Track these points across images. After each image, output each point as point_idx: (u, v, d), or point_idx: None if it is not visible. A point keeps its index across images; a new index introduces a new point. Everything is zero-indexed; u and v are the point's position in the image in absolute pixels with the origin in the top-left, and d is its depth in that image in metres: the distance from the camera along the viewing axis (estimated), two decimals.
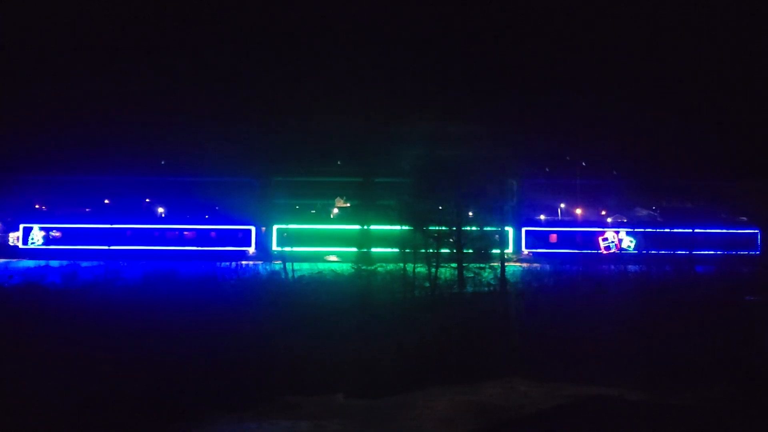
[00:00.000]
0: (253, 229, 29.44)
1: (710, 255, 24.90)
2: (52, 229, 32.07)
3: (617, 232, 30.63)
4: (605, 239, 29.83)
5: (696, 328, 13.38)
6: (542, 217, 36.52)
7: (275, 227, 29.32)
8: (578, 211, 39.77)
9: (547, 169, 32.62)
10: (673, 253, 23.88)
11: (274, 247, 28.69)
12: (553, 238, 30.01)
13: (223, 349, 14.05)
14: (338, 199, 33.14)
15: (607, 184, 35.79)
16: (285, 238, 27.83)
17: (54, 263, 25.57)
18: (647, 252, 25.68)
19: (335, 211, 34.16)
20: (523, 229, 29.83)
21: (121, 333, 14.79)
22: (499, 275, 21.74)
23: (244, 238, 29.25)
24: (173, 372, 12.86)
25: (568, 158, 32.31)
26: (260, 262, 25.73)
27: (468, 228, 22.38)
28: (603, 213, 40.79)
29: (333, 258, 27.64)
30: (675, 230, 27.06)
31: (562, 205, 40.51)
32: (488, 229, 23.60)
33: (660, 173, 28.80)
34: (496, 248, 23.09)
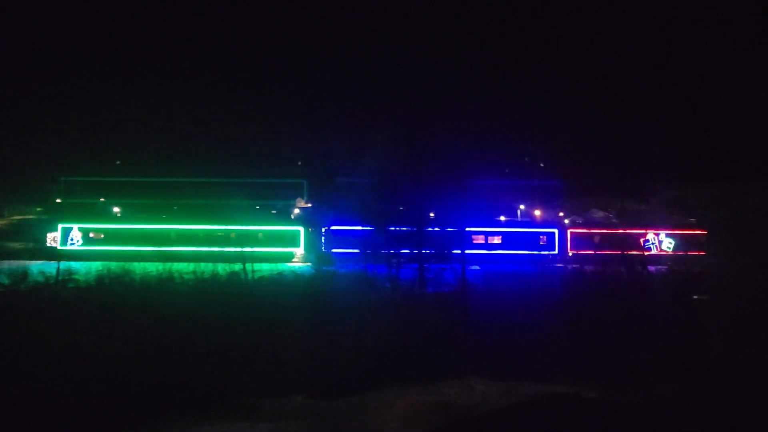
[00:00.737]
0: (301, 230, 29.25)
1: (663, 255, 25.96)
2: (93, 229, 30.87)
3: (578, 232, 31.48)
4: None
5: (648, 326, 13.76)
6: (502, 218, 37.12)
7: (324, 228, 29.24)
8: (537, 212, 40.48)
9: (506, 170, 33.17)
10: (626, 253, 24.71)
11: (324, 249, 28.59)
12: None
13: (177, 350, 13.76)
14: (299, 199, 33.09)
15: (565, 186, 36.56)
16: (333, 240, 27.89)
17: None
18: (603, 252, 26.51)
19: (296, 211, 34.07)
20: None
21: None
22: (460, 276, 22.01)
23: (292, 239, 28.91)
24: (125, 375, 12.54)
25: (526, 159, 32.94)
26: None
27: (430, 229, 22.63)
28: (561, 214, 41.66)
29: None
30: (629, 231, 28.03)
31: (522, 207, 41.18)
32: (449, 230, 23.88)
33: (615, 176, 29.59)
34: (457, 249, 23.39)
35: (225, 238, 26.49)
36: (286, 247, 29.06)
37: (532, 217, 39.76)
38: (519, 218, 40.46)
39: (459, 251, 23.09)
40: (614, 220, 34.79)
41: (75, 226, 30.53)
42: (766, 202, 7.21)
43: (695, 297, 12.20)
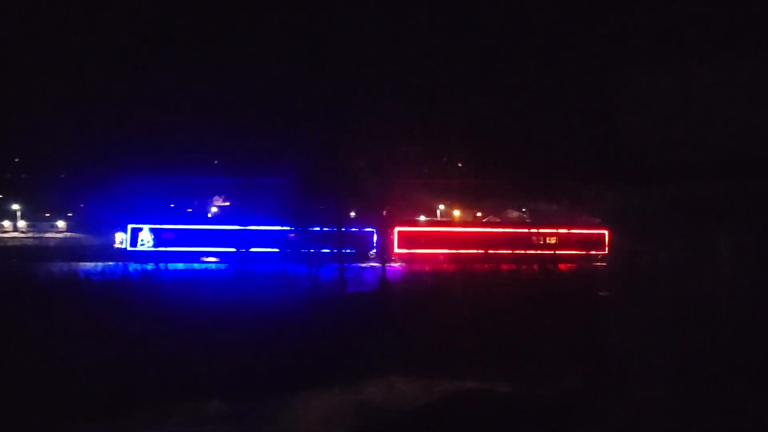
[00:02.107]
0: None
1: (572, 254, 27.28)
2: (165, 230, 29.32)
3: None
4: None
5: (558, 321, 14.39)
6: (422, 217, 37.70)
7: (396, 230, 29.08)
8: (456, 212, 41.39)
9: (426, 170, 33.70)
10: (539, 252, 25.83)
11: (396, 249, 28.64)
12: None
13: (83, 354, 13.05)
14: (216, 197, 32.36)
15: (483, 186, 37.52)
16: (406, 241, 28.06)
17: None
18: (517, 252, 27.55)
19: (213, 210, 33.30)
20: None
21: None
22: (380, 275, 22.21)
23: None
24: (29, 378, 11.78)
25: (444, 159, 33.61)
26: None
27: (350, 229, 22.73)
28: (479, 214, 42.79)
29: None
30: (541, 231, 29.29)
31: (441, 207, 41.95)
32: (368, 229, 24.10)
33: (530, 176, 30.72)
34: (376, 249, 23.63)
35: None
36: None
37: (451, 217, 40.64)
38: (439, 218, 41.24)
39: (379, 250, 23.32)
40: (527, 220, 36.12)
41: (145, 227, 28.73)
42: (663, 204, 7.69)
43: (600, 293, 12.85)
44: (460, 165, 36.32)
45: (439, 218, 40.85)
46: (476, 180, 35.88)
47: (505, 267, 23.82)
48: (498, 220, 41.19)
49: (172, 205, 32.99)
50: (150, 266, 20.87)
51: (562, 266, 24.06)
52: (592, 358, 11.65)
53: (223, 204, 33.08)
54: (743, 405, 7.39)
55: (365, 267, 22.63)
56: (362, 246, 26.49)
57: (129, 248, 28.19)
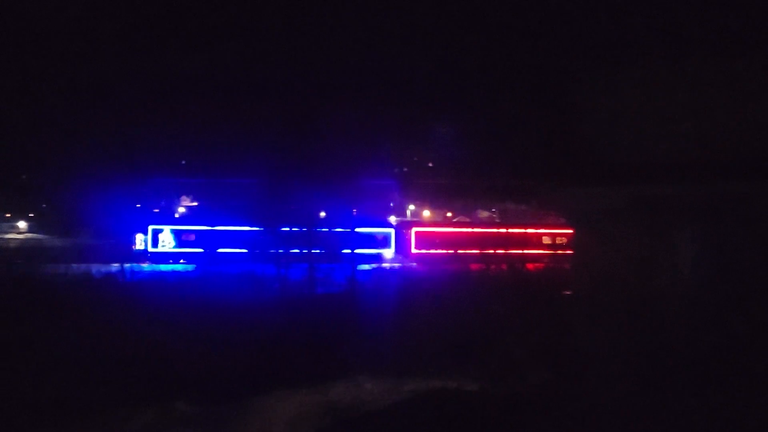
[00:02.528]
0: (392, 231, 29.07)
1: (540, 254, 27.76)
2: (186, 231, 29.12)
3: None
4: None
5: (522, 320, 14.61)
6: (393, 218, 37.79)
7: (414, 230, 30.14)
8: (426, 212, 41.59)
9: (404, 170, 33.82)
10: (507, 252, 26.25)
11: (413, 250, 29.64)
12: (444, 238, 31.81)
13: (41, 357, 12.76)
14: (183, 197, 31.99)
15: (454, 186, 37.74)
16: (424, 241, 28.65)
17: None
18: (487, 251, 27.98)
19: (181, 210, 32.94)
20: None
21: None
22: (349, 275, 22.21)
23: (384, 241, 28.57)
24: None
25: (415, 159, 33.72)
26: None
27: (320, 229, 22.69)
28: (449, 214, 43.06)
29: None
30: (511, 230, 29.73)
31: (412, 207, 42.09)
32: (339, 230, 24.10)
33: (498, 178, 31.00)
34: (346, 249, 23.62)
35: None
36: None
37: (421, 216, 40.85)
38: (408, 218, 41.39)
39: (349, 251, 23.33)
40: (497, 220, 36.49)
41: (166, 228, 28.21)
42: (625, 204, 7.83)
43: (564, 292, 13.05)
44: (430, 165, 36.49)
45: (413, 218, 41.11)
46: (446, 180, 36.09)
47: (475, 266, 24.09)
48: (468, 219, 41.54)
49: (138, 205, 32.69)
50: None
51: (529, 265, 24.42)
52: (558, 356, 11.83)
53: (191, 204, 32.77)
54: (703, 403, 7.57)
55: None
56: (381, 246, 27.71)
57: (150, 249, 28.07)
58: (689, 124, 7.62)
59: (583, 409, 8.29)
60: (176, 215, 31.79)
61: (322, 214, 24.48)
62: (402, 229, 31.12)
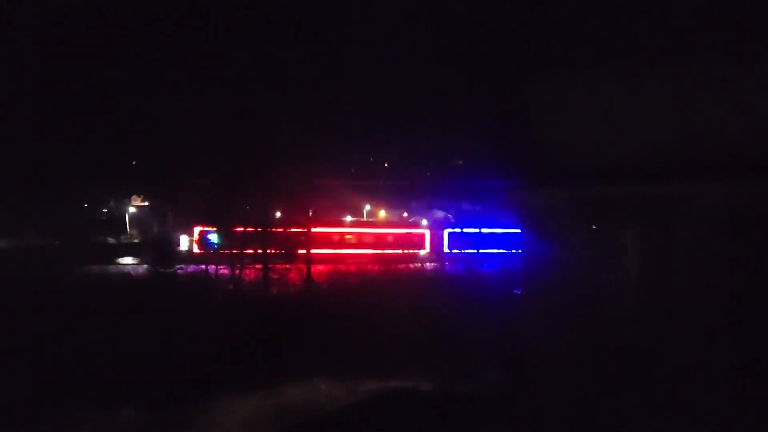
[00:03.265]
0: (427, 232, 29.53)
1: (493, 253, 28.26)
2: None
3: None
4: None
5: (476, 320, 14.79)
6: (348, 218, 37.67)
7: (447, 231, 31.27)
8: (382, 213, 41.65)
9: (352, 170, 33.71)
10: (463, 251, 26.68)
11: (445, 249, 30.38)
12: (476, 238, 32.19)
13: None
14: (134, 197, 31.23)
15: (409, 187, 37.87)
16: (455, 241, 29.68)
17: None
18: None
19: (131, 209, 32.15)
20: (447, 231, 31.82)
21: None
22: (305, 276, 22.05)
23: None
24: None
25: (372, 159, 33.74)
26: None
27: (275, 229, 22.45)
28: (405, 215, 43.21)
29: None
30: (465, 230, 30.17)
31: (368, 207, 42.09)
32: (295, 230, 23.85)
33: (453, 178, 31.38)
34: (302, 249, 23.43)
35: None
36: None
37: (376, 217, 40.86)
38: (365, 218, 41.35)
39: (304, 251, 23.17)
40: (452, 220, 36.79)
41: (212, 229, 27.79)
42: (573, 204, 8.04)
43: (515, 292, 13.30)
44: (386, 165, 36.56)
45: (364, 218, 41.09)
46: (402, 181, 36.23)
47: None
48: (424, 220, 41.83)
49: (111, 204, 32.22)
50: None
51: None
52: (509, 353, 12.03)
53: (142, 203, 32.04)
54: (652, 398, 7.82)
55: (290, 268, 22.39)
56: (414, 247, 28.50)
57: (195, 251, 28.01)
58: (633, 129, 7.89)
59: (537, 407, 8.47)
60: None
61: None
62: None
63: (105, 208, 31.86)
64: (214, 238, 28.46)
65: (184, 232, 28.63)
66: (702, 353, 7.57)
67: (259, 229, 21.65)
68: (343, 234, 32.53)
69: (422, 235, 33.62)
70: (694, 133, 7.76)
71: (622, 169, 7.72)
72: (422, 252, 30.94)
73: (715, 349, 7.57)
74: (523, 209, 8.44)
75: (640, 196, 7.79)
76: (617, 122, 8.07)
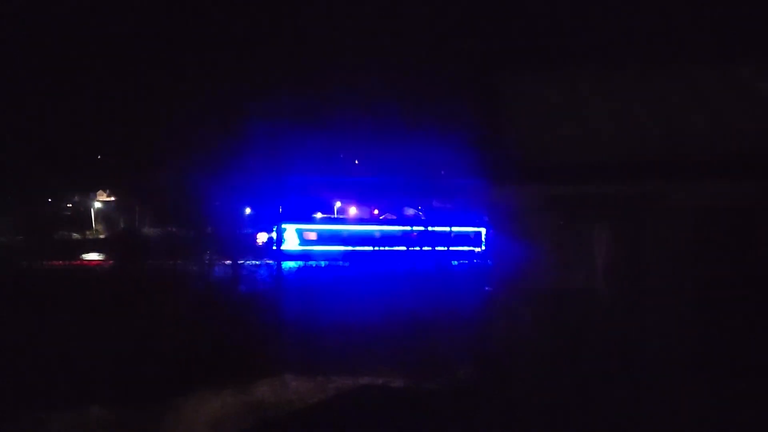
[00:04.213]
0: (483, 230, 29.19)
1: (459, 251, 28.59)
2: (309, 230, 30.45)
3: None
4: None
5: (449, 317, 14.91)
6: (318, 214, 37.60)
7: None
8: (353, 209, 41.65)
9: (321, 167, 33.65)
10: (434, 249, 26.85)
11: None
12: (313, 236, 32.23)
13: None
14: (100, 192, 30.75)
15: (379, 184, 37.95)
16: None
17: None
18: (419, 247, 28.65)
19: (97, 205, 31.65)
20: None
21: None
22: (274, 273, 21.93)
23: (475, 239, 28.16)
24: None
25: (341, 156, 33.70)
26: None
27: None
28: (376, 212, 43.30)
29: None
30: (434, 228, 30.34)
31: (338, 204, 42.05)
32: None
33: (424, 175, 31.50)
34: (272, 245, 23.37)
35: None
36: None
37: (347, 213, 40.85)
38: (335, 215, 41.31)
39: (275, 248, 23.08)
40: (422, 218, 36.97)
41: (291, 227, 27.87)
42: (544, 203, 8.14)
43: (486, 288, 13.42)
44: (356, 162, 36.56)
45: (336, 215, 41.02)
46: (372, 178, 36.25)
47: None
48: (394, 217, 41.94)
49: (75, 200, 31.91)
50: None
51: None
52: (482, 350, 12.14)
53: (108, 199, 31.54)
54: (625, 394, 7.97)
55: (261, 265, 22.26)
56: (474, 244, 28.82)
57: (275, 247, 28.28)
58: (606, 128, 8.03)
59: (508, 400, 8.56)
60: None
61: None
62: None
63: (69, 203, 31.25)
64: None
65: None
66: (674, 350, 7.76)
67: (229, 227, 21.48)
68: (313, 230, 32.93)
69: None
70: (669, 133, 7.94)
71: (596, 167, 7.86)
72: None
73: (687, 345, 7.77)
74: (494, 206, 8.52)
75: (613, 195, 7.94)
76: (591, 120, 8.20)
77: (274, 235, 29.77)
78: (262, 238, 30.81)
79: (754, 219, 7.96)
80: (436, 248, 28.86)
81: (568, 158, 7.95)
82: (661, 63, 8.13)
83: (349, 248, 29.59)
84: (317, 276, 23.12)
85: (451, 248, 30.17)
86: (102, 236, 29.99)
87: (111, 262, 21.97)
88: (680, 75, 8.36)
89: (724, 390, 7.70)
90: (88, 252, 26.10)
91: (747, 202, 7.81)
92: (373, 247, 29.73)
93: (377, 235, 32.35)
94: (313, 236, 31.97)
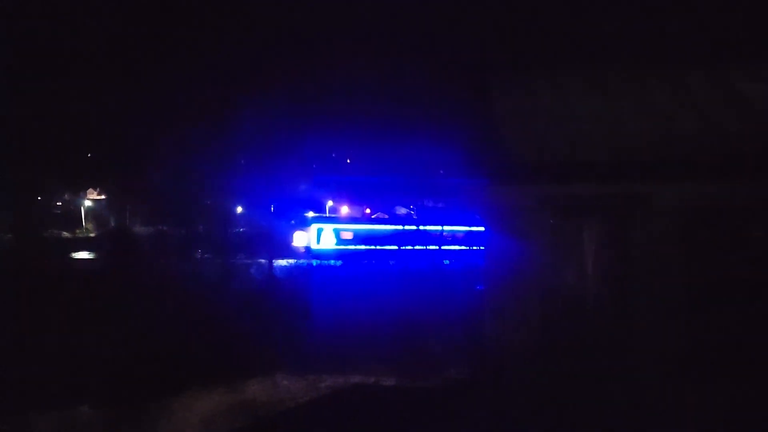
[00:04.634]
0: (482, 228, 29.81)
1: (455, 250, 28.67)
2: (345, 230, 30.65)
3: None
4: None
5: (441, 315, 14.95)
6: (310, 213, 37.57)
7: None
8: (344, 208, 41.63)
9: (314, 166, 33.70)
10: (426, 247, 26.99)
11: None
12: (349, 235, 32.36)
13: None
14: (90, 190, 30.62)
15: (372, 183, 38.00)
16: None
17: None
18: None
19: (87, 203, 31.49)
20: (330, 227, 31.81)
21: None
22: (267, 272, 21.94)
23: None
24: None
25: (333, 155, 33.76)
26: None
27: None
28: (368, 211, 43.30)
29: None
30: (427, 227, 30.42)
31: (330, 203, 42.01)
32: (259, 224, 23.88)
33: (416, 175, 31.57)
34: (265, 243, 23.36)
35: None
36: None
37: (339, 213, 40.83)
38: (327, 214, 41.28)
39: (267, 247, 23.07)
40: (414, 217, 37.03)
41: (327, 226, 28.06)
42: (536, 202, 8.18)
43: (478, 288, 13.47)
44: (348, 161, 36.59)
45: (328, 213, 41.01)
46: (365, 177, 36.32)
47: None
48: (386, 216, 42.00)
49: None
50: None
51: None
52: (473, 349, 12.19)
53: (98, 197, 31.36)
54: (615, 391, 8.02)
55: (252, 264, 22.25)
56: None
57: (313, 247, 28.33)
58: (598, 128, 8.09)
59: (499, 399, 8.59)
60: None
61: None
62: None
63: (59, 202, 31.08)
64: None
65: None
66: (664, 348, 7.82)
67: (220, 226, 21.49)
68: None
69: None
70: (659, 133, 8.00)
71: (587, 167, 7.90)
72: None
73: (676, 344, 7.83)
74: (486, 206, 8.55)
75: (604, 195, 7.99)
76: (582, 121, 8.25)
77: (308, 234, 30.27)
78: (299, 239, 31.16)
79: (743, 220, 8.04)
80: (427, 246, 29.09)
81: (560, 158, 7.99)
82: (651, 65, 8.21)
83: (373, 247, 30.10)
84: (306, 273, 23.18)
85: (442, 247, 30.39)
86: (92, 234, 29.86)
87: (106, 261, 21.86)
88: (670, 77, 8.45)
89: (713, 388, 7.79)
90: (78, 251, 25.98)
91: (736, 202, 7.89)
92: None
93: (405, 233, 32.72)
94: (349, 236, 32.34)
